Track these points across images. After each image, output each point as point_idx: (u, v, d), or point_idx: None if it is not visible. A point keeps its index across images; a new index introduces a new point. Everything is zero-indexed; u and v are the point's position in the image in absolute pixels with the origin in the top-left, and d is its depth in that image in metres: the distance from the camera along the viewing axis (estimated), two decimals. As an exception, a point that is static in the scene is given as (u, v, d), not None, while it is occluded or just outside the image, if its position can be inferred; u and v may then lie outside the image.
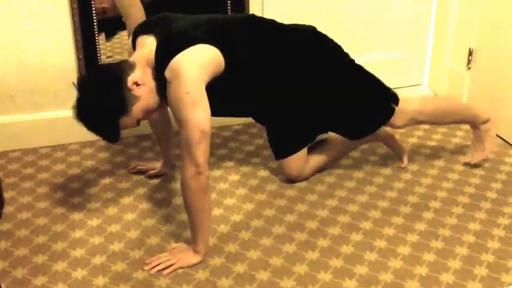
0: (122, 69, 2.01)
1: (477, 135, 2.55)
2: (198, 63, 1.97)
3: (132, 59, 2.06)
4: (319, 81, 2.28)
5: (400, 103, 2.36)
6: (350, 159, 2.66)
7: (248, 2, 2.79)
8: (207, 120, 1.93)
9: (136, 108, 2.01)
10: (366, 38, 3.09)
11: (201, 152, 1.92)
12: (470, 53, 2.98)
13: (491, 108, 2.87)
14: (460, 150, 2.71)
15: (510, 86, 2.75)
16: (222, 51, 2.03)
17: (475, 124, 2.53)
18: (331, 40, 2.34)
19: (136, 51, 2.10)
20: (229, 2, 2.77)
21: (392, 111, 2.35)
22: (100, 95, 1.97)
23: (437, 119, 2.53)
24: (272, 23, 2.29)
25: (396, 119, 2.37)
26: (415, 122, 2.44)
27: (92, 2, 2.62)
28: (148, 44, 2.06)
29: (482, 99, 2.96)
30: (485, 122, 2.52)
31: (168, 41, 2.03)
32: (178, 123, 1.95)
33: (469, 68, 3.01)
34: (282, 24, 2.30)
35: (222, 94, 2.08)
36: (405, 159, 2.58)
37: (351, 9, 3.03)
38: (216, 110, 2.02)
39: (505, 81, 2.78)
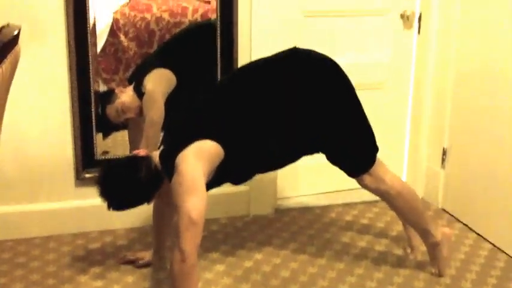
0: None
1: (430, 254, 2.57)
2: (193, 157, 2.13)
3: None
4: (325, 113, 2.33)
5: (377, 166, 2.40)
6: (332, 251, 2.77)
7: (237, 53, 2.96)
8: (197, 210, 2.05)
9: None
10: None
11: (188, 239, 2.03)
12: (444, 153, 3.16)
13: (465, 204, 3.03)
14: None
15: (483, 183, 2.91)
16: (218, 143, 2.18)
17: (425, 240, 2.55)
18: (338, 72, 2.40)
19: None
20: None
21: (373, 161, 2.40)
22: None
23: (397, 209, 2.52)
24: (273, 68, 2.37)
25: (368, 176, 2.40)
26: (379, 192, 2.45)
27: (92, 102, 2.82)
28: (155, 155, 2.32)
29: (457, 196, 3.11)
30: (436, 245, 2.52)
31: (167, 150, 2.27)
32: (175, 211, 2.09)
33: (444, 167, 3.19)
34: (282, 62, 2.38)
35: (242, 165, 2.31)
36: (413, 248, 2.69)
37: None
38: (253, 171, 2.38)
39: (478, 179, 2.95)
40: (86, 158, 2.85)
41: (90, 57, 2.74)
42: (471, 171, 3.00)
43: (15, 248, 2.76)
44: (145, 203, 2.31)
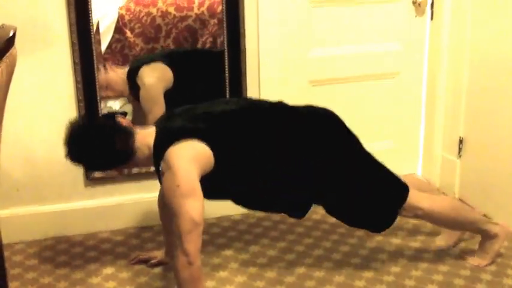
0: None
1: (482, 244, 2.54)
2: (189, 156, 2.08)
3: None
4: (325, 167, 2.30)
5: (410, 199, 2.35)
6: (347, 245, 2.72)
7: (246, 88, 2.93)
8: (197, 211, 2.01)
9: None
10: (358, 130, 3.20)
11: (192, 242, 1.99)
12: (461, 142, 3.09)
13: (483, 194, 2.96)
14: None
15: (500, 173, 2.84)
16: (211, 150, 2.13)
17: (482, 236, 2.53)
18: (341, 125, 2.39)
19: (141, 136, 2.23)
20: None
21: (395, 216, 2.38)
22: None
23: (441, 224, 2.56)
24: (280, 109, 2.37)
25: (402, 210, 2.38)
26: (417, 217, 2.46)
27: (98, 101, 2.77)
28: (151, 133, 2.22)
29: (474, 187, 3.04)
30: (492, 237, 2.50)
31: (164, 135, 2.18)
32: (172, 213, 2.04)
33: (460, 156, 3.11)
34: (289, 107, 2.38)
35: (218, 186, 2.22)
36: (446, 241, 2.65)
37: (342, 102, 3.17)
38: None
39: (495, 168, 2.88)
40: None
41: (94, 55, 2.69)
42: (489, 161, 2.92)
43: (26, 251, 2.73)
44: (100, 170, 2.38)
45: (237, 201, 2.39)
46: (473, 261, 2.54)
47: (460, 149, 3.11)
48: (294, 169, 2.27)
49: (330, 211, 2.42)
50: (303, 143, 2.29)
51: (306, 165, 2.28)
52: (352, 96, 3.19)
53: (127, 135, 2.20)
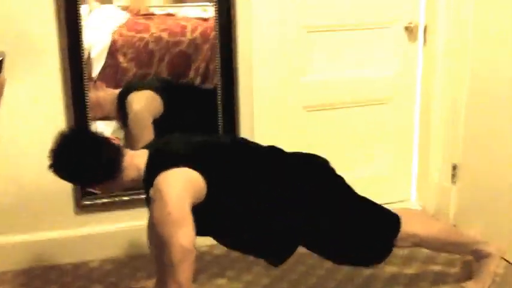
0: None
1: (476, 267, 2.52)
2: (181, 183, 2.04)
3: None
4: (315, 210, 2.27)
5: (404, 228, 2.32)
6: (342, 273, 2.68)
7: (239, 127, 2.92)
8: (189, 240, 1.97)
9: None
10: (351, 155, 3.19)
11: (184, 271, 1.97)
12: (454, 168, 3.06)
13: (479, 221, 2.93)
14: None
15: (495, 199, 2.82)
16: (204, 179, 2.09)
17: (476, 257, 2.52)
18: (331, 173, 2.36)
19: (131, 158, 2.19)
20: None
21: (390, 250, 2.35)
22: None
23: (437, 249, 2.56)
24: (272, 151, 2.35)
25: (396, 243, 2.36)
26: (413, 245, 2.43)
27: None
28: (141, 154, 2.18)
29: (469, 213, 3.02)
30: (486, 256, 2.48)
31: (157, 160, 2.14)
32: (162, 242, 2.01)
33: (455, 183, 3.09)
34: (280, 151, 2.35)
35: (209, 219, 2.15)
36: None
37: (337, 127, 3.16)
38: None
39: (490, 195, 2.85)
40: (84, 187, 2.75)
41: (84, 81, 2.66)
42: (484, 188, 2.90)
43: (15, 280, 2.68)
44: (82, 183, 2.33)
45: (221, 239, 2.33)
46: (470, 285, 2.51)
47: (454, 175, 3.08)
48: (285, 210, 2.23)
49: (328, 256, 2.38)
50: (295, 185, 2.26)
51: (296, 207, 2.24)
52: (345, 122, 3.17)
53: (115, 150, 2.16)
